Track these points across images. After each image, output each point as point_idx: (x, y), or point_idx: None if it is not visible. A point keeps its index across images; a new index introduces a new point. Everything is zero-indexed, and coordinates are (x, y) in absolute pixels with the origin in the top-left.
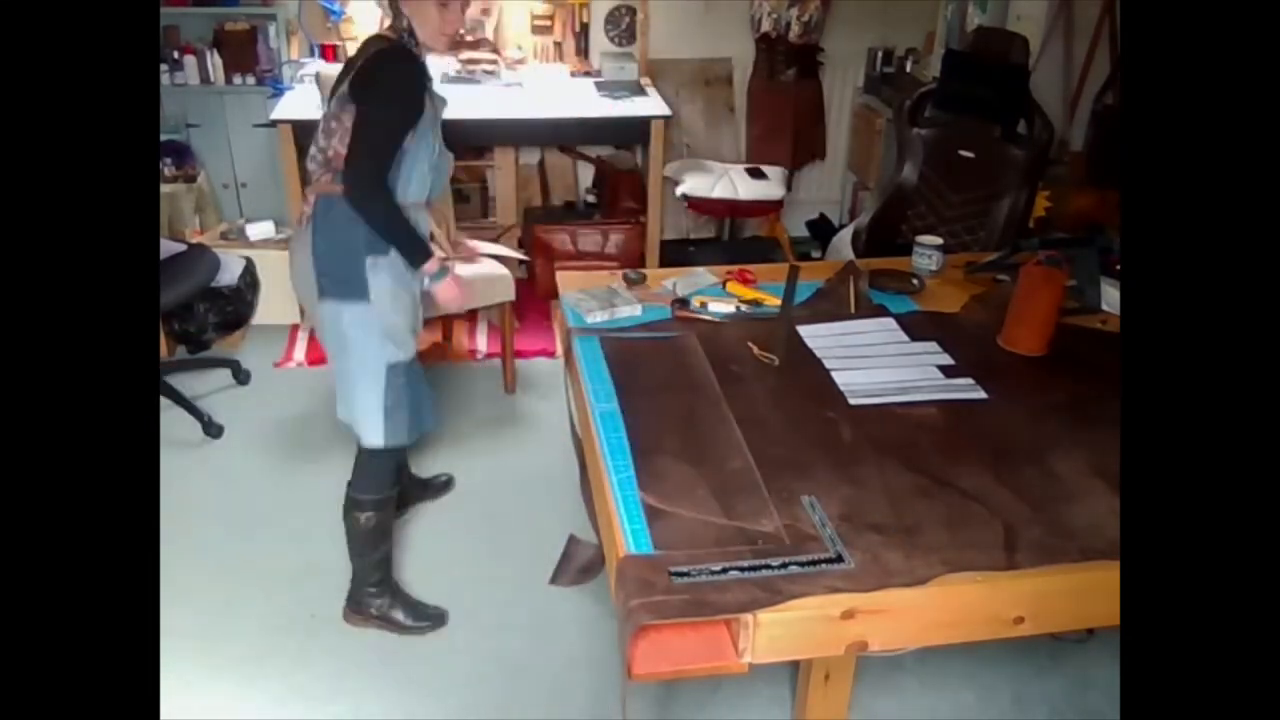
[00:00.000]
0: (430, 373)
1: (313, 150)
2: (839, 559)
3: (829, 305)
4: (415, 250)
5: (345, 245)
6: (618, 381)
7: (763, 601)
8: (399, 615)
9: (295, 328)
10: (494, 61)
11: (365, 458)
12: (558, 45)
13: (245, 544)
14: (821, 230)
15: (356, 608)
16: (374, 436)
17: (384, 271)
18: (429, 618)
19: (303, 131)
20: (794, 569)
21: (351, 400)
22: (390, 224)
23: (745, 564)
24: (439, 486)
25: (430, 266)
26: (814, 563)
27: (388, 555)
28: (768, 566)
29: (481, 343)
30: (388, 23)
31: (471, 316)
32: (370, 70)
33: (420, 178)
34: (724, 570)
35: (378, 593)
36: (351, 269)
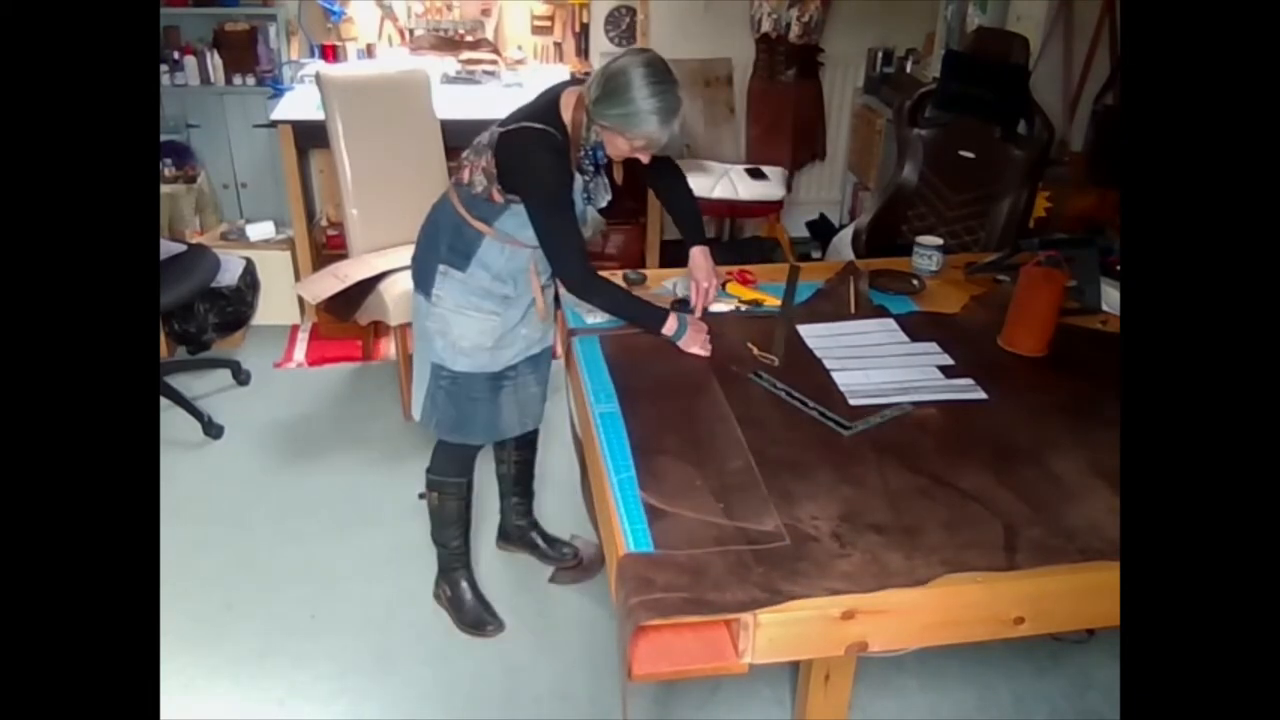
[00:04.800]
0: None
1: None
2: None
3: (829, 306)
4: (649, 319)
5: (431, 241)
6: (618, 382)
7: (763, 602)
8: (460, 610)
9: (295, 328)
10: (494, 62)
11: (436, 441)
12: (558, 45)
13: (245, 544)
14: (821, 230)
15: (436, 585)
16: (415, 409)
17: (452, 283)
18: (480, 624)
19: (303, 132)
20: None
21: (416, 368)
22: (613, 306)
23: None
24: (561, 557)
25: (669, 328)
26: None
27: (458, 548)
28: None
29: None
30: (569, 103)
31: None
32: (517, 159)
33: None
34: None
35: (445, 579)
36: (427, 264)
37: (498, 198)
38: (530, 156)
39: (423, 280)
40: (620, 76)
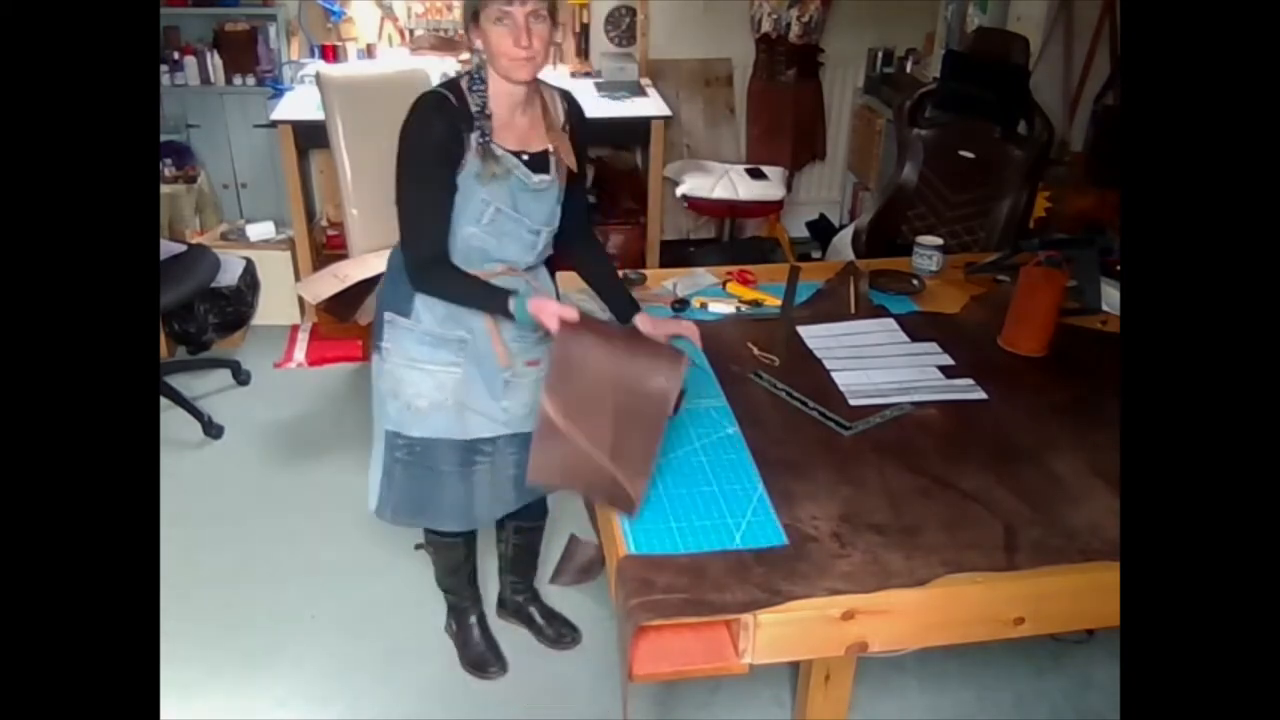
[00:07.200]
0: None
1: None
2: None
3: (829, 306)
4: (492, 303)
5: (382, 288)
6: None
7: (763, 602)
8: (465, 647)
9: (295, 328)
10: None
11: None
12: (558, 45)
13: (245, 544)
14: (821, 230)
15: (447, 619)
16: (371, 497)
17: (399, 333)
18: (482, 665)
19: (303, 132)
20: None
21: (374, 446)
22: (456, 297)
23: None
24: (558, 637)
25: (512, 306)
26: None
27: (466, 593)
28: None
29: None
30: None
31: None
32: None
33: (463, 244)
34: None
35: (454, 617)
36: (378, 314)
37: None
38: (409, 117)
39: (376, 333)
40: None
